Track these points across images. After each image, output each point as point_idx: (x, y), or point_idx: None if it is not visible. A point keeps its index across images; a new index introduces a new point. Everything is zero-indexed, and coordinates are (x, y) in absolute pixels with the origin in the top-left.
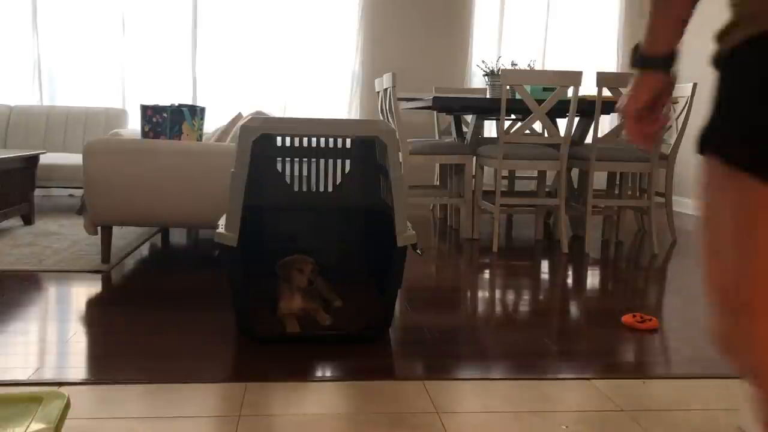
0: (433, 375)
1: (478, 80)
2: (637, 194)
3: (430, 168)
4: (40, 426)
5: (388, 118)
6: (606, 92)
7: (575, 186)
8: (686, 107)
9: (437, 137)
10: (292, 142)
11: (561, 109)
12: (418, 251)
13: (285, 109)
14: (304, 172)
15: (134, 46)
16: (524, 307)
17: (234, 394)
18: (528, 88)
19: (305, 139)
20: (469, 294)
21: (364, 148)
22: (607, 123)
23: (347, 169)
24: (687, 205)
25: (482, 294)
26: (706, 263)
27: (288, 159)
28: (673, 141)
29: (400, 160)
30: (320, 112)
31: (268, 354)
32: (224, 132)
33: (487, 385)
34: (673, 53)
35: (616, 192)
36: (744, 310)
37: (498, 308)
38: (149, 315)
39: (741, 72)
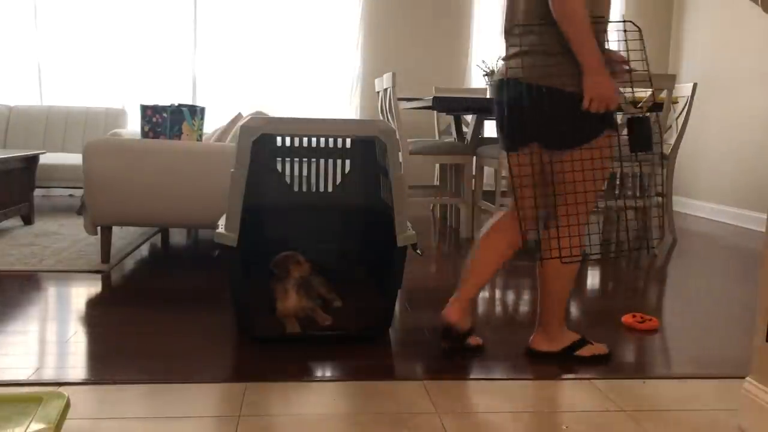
0: (433, 375)
1: (478, 80)
2: (637, 194)
3: (430, 168)
4: (40, 426)
5: (388, 118)
6: None
7: None
8: (686, 107)
9: (437, 137)
10: (292, 142)
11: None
12: (418, 251)
13: (285, 109)
14: (304, 172)
15: (134, 46)
16: (524, 307)
17: (234, 394)
18: None
19: (305, 139)
20: None
21: (364, 148)
22: None
23: (347, 169)
24: (687, 205)
25: (482, 294)
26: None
27: (288, 159)
28: (673, 141)
29: (400, 160)
30: (320, 112)
31: (268, 354)
32: (224, 132)
33: (487, 385)
34: None
35: (616, 192)
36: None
37: (498, 308)
38: (149, 315)
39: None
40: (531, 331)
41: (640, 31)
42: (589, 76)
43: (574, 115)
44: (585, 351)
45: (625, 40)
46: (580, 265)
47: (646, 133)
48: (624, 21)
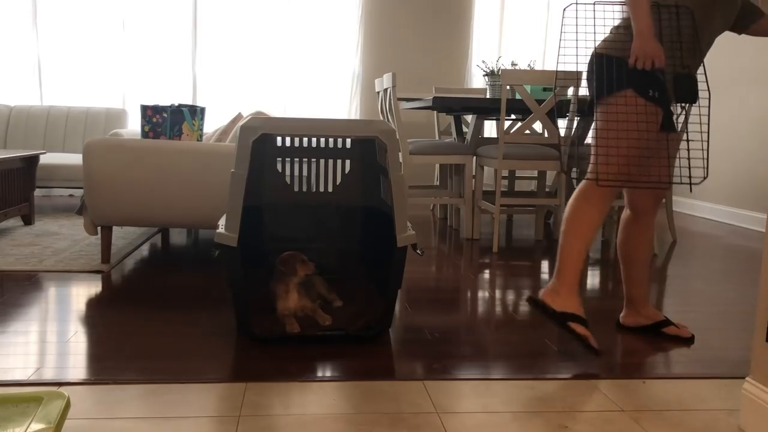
0: (433, 375)
1: (478, 80)
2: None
3: (430, 168)
4: (40, 426)
5: (388, 118)
6: None
7: (575, 186)
8: (686, 107)
9: (437, 137)
10: (292, 142)
11: (561, 109)
12: (418, 251)
13: (285, 109)
14: (304, 172)
15: (134, 46)
16: (524, 307)
17: (234, 394)
18: (528, 88)
19: (305, 139)
20: (469, 294)
21: (364, 148)
22: None
23: (347, 169)
24: (687, 205)
25: (482, 294)
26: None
27: (288, 159)
28: None
29: (400, 160)
30: (320, 112)
31: (268, 354)
32: (224, 132)
33: (487, 385)
34: None
35: None
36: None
37: (498, 308)
38: (149, 315)
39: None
40: (531, 331)
41: (693, 13)
42: (638, 38)
43: (605, 72)
44: (578, 328)
45: (678, 20)
46: (599, 227)
47: (689, 87)
48: (677, 6)
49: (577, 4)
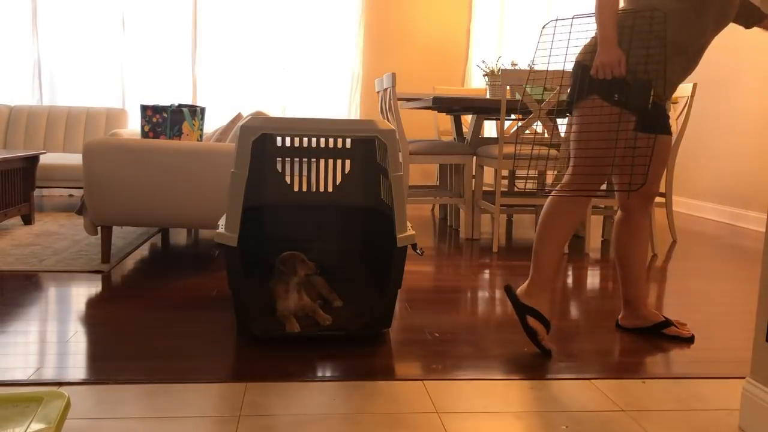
0: (433, 375)
1: (478, 80)
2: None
3: (430, 168)
4: (40, 426)
5: (388, 118)
6: None
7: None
8: (686, 107)
9: (437, 137)
10: (292, 142)
11: (561, 109)
12: (418, 251)
13: (285, 109)
14: (304, 172)
15: (134, 46)
16: None
17: (234, 394)
18: (528, 88)
19: (305, 139)
20: (469, 294)
21: (364, 148)
22: None
23: (347, 169)
24: (687, 205)
25: (482, 294)
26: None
27: (288, 159)
28: (673, 141)
29: (400, 160)
30: (320, 112)
31: (268, 354)
32: (224, 132)
33: (487, 385)
34: None
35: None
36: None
37: (498, 308)
38: (149, 315)
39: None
40: None
41: (665, 17)
42: (600, 47)
43: (574, 80)
44: (532, 322)
45: (650, 26)
46: (574, 230)
47: (643, 94)
48: (653, 10)
49: (557, 20)
